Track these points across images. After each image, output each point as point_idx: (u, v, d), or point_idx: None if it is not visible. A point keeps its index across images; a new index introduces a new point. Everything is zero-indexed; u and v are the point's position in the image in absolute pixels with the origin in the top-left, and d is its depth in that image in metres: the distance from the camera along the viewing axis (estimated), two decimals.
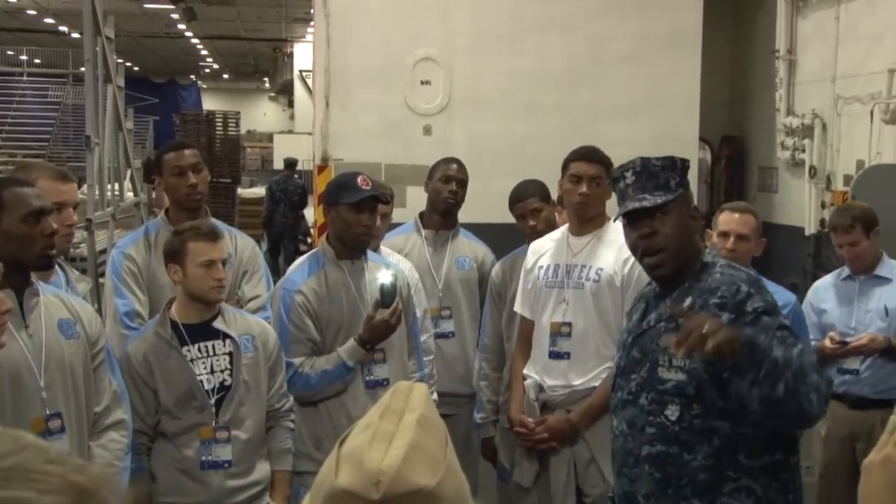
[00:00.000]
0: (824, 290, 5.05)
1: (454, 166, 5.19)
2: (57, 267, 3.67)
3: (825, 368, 4.84)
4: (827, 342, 4.78)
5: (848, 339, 4.77)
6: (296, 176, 16.61)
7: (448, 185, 5.12)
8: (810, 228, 10.37)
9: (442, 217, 5.17)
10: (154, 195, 12.02)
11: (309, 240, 14.20)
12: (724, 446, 2.91)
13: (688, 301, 2.95)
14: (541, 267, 4.28)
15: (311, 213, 14.05)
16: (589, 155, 4.23)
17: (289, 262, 14.41)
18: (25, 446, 0.75)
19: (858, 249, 4.86)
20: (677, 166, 3.08)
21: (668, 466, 2.97)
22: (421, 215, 5.26)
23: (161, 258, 4.08)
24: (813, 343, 4.73)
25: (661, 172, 3.04)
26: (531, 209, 4.76)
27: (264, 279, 4.39)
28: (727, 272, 2.98)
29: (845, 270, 5.02)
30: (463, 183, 5.17)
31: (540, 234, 4.64)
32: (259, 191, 22.98)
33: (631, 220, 3.08)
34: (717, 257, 3.09)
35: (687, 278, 3.02)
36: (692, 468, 2.93)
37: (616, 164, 4.18)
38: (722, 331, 2.59)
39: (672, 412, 2.96)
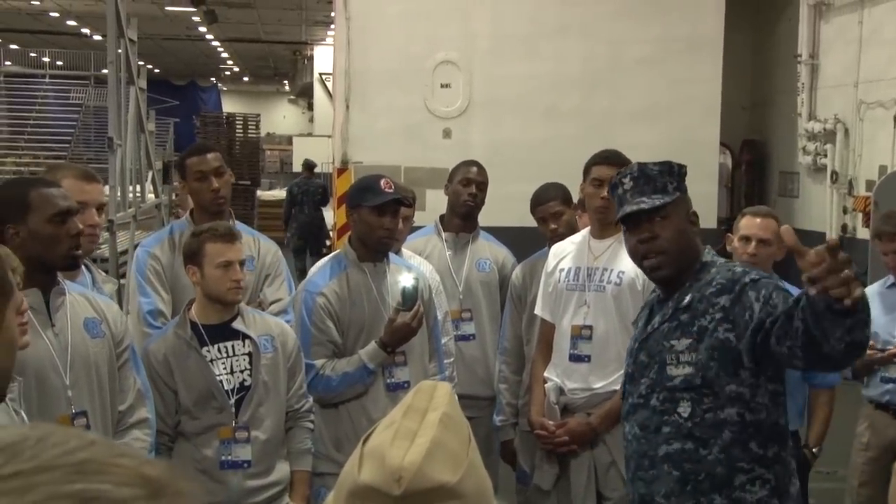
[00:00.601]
0: (868, 299, 5.00)
1: (474, 169, 5.20)
2: (84, 268, 3.69)
3: (869, 375, 4.86)
4: (869, 351, 4.71)
5: (889, 347, 4.72)
6: (316, 176, 17.08)
7: (468, 188, 5.12)
8: (831, 234, 10.33)
9: (462, 220, 5.18)
10: (176, 196, 12.09)
11: (328, 242, 14.28)
12: (735, 437, 2.95)
13: (688, 298, 3.01)
14: (562, 270, 4.28)
15: (329, 216, 14.09)
16: (611, 158, 4.22)
17: (316, 260, 14.98)
18: (94, 442, 0.76)
19: None
20: (674, 171, 3.12)
21: (686, 463, 3.00)
22: (441, 218, 5.27)
23: None
24: None
25: (659, 177, 3.09)
26: (552, 213, 4.75)
27: (286, 283, 4.40)
28: (723, 267, 3.05)
29: (890, 279, 4.97)
30: (483, 186, 5.18)
31: (560, 237, 4.63)
32: (279, 193, 23.08)
33: (630, 224, 3.13)
34: (717, 256, 3.14)
35: (687, 279, 3.07)
36: (709, 462, 2.97)
37: None
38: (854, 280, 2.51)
39: (684, 409, 3.00)
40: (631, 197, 3.09)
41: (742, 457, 2.95)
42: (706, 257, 3.10)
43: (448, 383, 1.35)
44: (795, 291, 4.24)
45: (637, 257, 3.16)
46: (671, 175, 3.11)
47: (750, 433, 2.95)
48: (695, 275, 3.06)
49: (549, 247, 4.70)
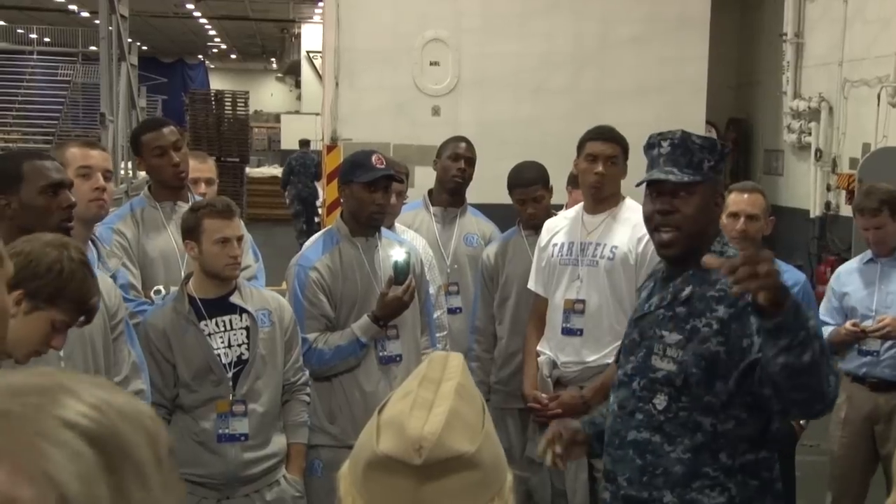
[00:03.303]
0: (847, 275, 5.01)
1: (463, 145, 5.25)
2: (90, 243, 3.68)
3: (845, 350, 4.84)
4: (848, 325, 4.73)
5: (868, 324, 4.72)
6: (312, 152, 19.03)
7: (457, 164, 5.18)
8: (815, 211, 10.42)
9: (450, 195, 5.24)
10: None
11: (317, 219, 14.43)
12: (706, 443, 2.87)
13: (687, 290, 2.91)
14: (555, 245, 4.33)
15: (319, 192, 14.14)
16: (605, 134, 4.25)
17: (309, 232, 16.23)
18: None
19: (883, 232, 4.81)
20: (716, 150, 2.96)
21: (648, 454, 2.95)
22: (430, 192, 5.33)
23: (148, 233, 4.14)
24: (832, 328, 4.74)
25: (698, 151, 2.92)
26: (533, 197, 4.75)
27: (251, 250, 4.34)
28: None
29: (868, 254, 4.97)
30: (471, 161, 5.23)
31: (537, 220, 4.68)
32: (267, 170, 23.12)
33: (653, 190, 2.97)
34: (727, 247, 2.98)
35: (692, 265, 2.90)
36: (670, 459, 2.91)
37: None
38: (774, 277, 2.43)
39: (660, 401, 2.93)
40: (664, 163, 2.91)
41: (709, 462, 2.87)
42: (715, 246, 2.94)
43: (459, 353, 1.38)
44: (785, 268, 4.34)
45: (650, 225, 2.98)
46: (712, 153, 2.93)
47: (720, 443, 2.86)
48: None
49: (520, 227, 4.77)
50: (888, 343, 4.78)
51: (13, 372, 0.83)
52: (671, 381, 2.90)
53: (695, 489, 2.88)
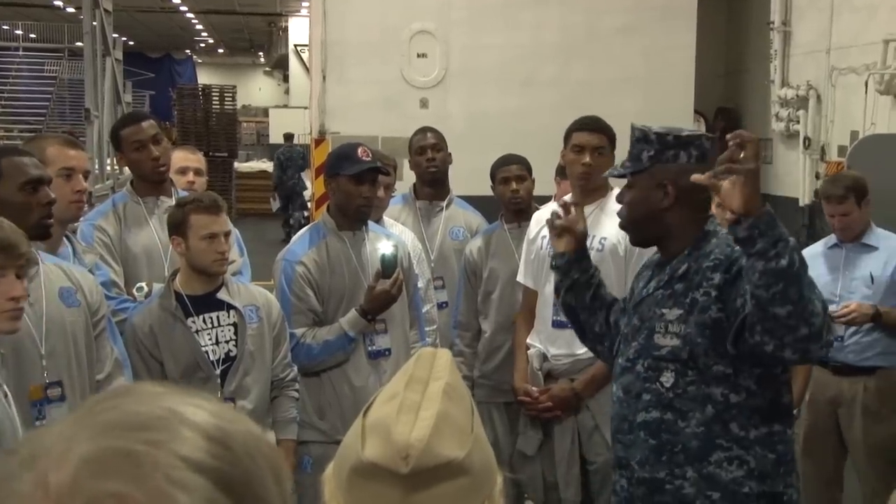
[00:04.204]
0: (810, 259, 4.96)
1: (427, 134, 5.26)
2: (65, 239, 3.65)
3: None
4: None
5: (833, 308, 4.76)
6: (296, 145, 20.14)
7: (424, 156, 5.18)
8: (804, 199, 10.41)
9: (431, 187, 5.22)
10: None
11: (306, 213, 14.47)
12: (718, 414, 2.91)
13: (684, 266, 2.98)
14: (544, 237, 4.29)
15: (307, 183, 14.14)
16: (591, 125, 4.23)
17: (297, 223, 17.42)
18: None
19: (849, 219, 4.87)
20: (650, 139, 3.04)
21: (663, 433, 2.98)
22: (415, 186, 5.31)
23: (131, 229, 4.10)
24: None
25: (636, 143, 3.07)
26: (515, 175, 4.77)
27: (236, 245, 4.29)
28: (723, 239, 2.97)
29: (832, 239, 5.02)
30: (438, 147, 5.21)
31: (520, 201, 4.68)
32: (256, 164, 23.08)
33: None
34: (719, 227, 3.03)
35: (686, 247, 3.02)
36: (686, 435, 2.95)
37: (616, 137, 4.24)
38: (753, 165, 2.60)
39: (667, 378, 2.97)
40: (627, 157, 3.12)
41: (721, 434, 2.92)
42: (709, 226, 3.04)
43: (448, 350, 1.33)
44: None
45: None
46: (647, 143, 3.04)
47: (732, 414, 2.91)
48: (696, 243, 3.01)
49: (503, 219, 4.75)
50: (852, 328, 4.83)
51: (111, 397, 0.77)
52: (677, 356, 2.95)
53: (713, 462, 2.92)
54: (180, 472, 0.69)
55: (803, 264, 2.60)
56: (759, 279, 2.59)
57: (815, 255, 5.02)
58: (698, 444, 2.94)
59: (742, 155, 2.60)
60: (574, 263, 3.40)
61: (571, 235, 3.40)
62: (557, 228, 3.41)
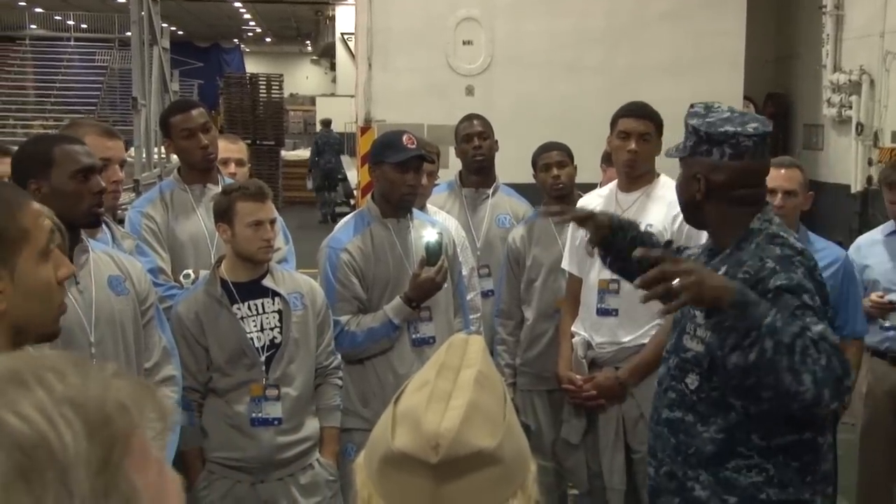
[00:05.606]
0: (867, 247, 4.95)
1: (474, 122, 5.24)
2: (104, 224, 3.63)
3: (868, 324, 4.79)
4: (873, 297, 4.69)
5: (892, 298, 4.70)
6: (333, 131, 21.41)
7: (471, 144, 5.16)
8: (856, 186, 10.27)
9: (477, 175, 5.20)
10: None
11: (352, 201, 14.53)
12: (740, 423, 2.84)
13: (722, 269, 2.87)
14: None
15: (353, 175, 14.15)
16: (637, 111, 4.18)
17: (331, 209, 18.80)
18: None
19: None
20: (688, 130, 3.00)
21: (682, 433, 2.95)
22: (460, 174, 5.30)
23: (178, 216, 4.12)
24: None
25: (685, 132, 3.02)
26: (556, 161, 4.73)
27: (282, 233, 4.28)
28: (762, 245, 2.86)
29: (891, 226, 4.92)
30: (484, 135, 5.20)
31: (562, 187, 4.64)
32: (303, 153, 23.22)
33: None
34: (766, 223, 2.93)
35: (729, 245, 2.95)
36: (703, 439, 2.90)
37: (664, 123, 4.19)
38: (693, 291, 2.53)
39: (692, 381, 2.94)
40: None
41: (743, 442, 2.85)
42: (755, 224, 2.92)
43: (481, 336, 1.29)
44: (824, 245, 4.26)
45: None
46: (688, 133, 3.00)
47: (754, 425, 2.82)
48: (737, 243, 2.92)
49: (545, 205, 4.72)
50: None
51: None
52: (699, 362, 2.91)
53: (730, 468, 2.87)
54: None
55: (779, 348, 2.52)
56: (734, 371, 2.59)
57: (872, 242, 4.95)
58: (714, 449, 2.88)
59: (675, 282, 2.54)
60: (608, 245, 3.36)
61: (591, 223, 3.34)
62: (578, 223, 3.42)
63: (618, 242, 3.31)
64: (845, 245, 4.63)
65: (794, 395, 2.55)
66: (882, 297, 4.69)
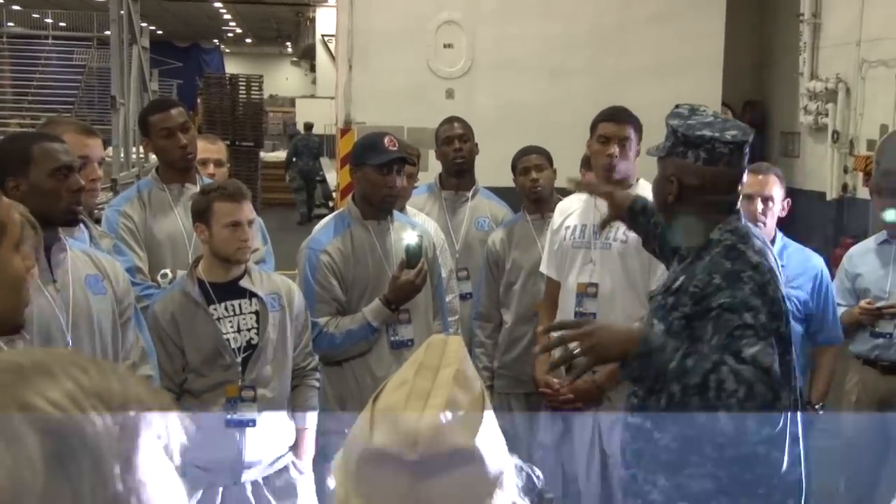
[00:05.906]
0: (859, 256, 4.97)
1: (454, 124, 5.27)
2: (81, 223, 3.62)
3: (858, 331, 4.78)
4: (862, 303, 4.72)
5: (881, 304, 4.71)
6: (314, 135, 21.83)
7: (451, 146, 5.17)
8: (832, 193, 10.33)
9: (457, 178, 5.21)
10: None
11: (331, 203, 14.53)
12: (695, 433, 2.83)
13: (680, 279, 2.88)
14: (567, 227, 4.28)
15: (332, 177, 14.13)
16: (617, 116, 4.19)
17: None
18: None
19: None
20: (668, 130, 3.00)
21: (641, 439, 2.97)
22: (440, 176, 5.30)
23: (155, 216, 4.11)
24: (844, 308, 4.71)
25: (666, 133, 3.02)
26: (534, 164, 4.77)
27: (259, 234, 4.27)
28: (716, 259, 2.84)
29: (883, 235, 4.94)
30: (464, 137, 5.21)
31: (539, 190, 4.66)
32: (282, 154, 23.23)
33: None
34: (728, 234, 2.90)
35: (692, 253, 2.94)
36: (659, 447, 2.91)
37: (644, 127, 4.20)
38: (595, 349, 2.69)
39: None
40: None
41: (696, 450, 2.85)
42: (714, 234, 2.91)
43: (460, 336, 1.30)
44: (807, 255, 4.30)
45: None
46: (668, 133, 3.00)
47: (708, 433, 2.79)
48: (698, 252, 2.91)
49: (525, 209, 4.72)
50: None
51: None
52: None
53: (684, 475, 2.88)
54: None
55: (687, 390, 2.62)
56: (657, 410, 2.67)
57: (864, 251, 4.97)
58: (669, 457, 2.89)
59: (573, 345, 2.67)
60: (631, 223, 3.44)
61: (612, 203, 3.42)
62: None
63: (641, 226, 3.40)
64: (820, 252, 4.66)
65: (711, 430, 2.63)
66: (871, 303, 4.71)
